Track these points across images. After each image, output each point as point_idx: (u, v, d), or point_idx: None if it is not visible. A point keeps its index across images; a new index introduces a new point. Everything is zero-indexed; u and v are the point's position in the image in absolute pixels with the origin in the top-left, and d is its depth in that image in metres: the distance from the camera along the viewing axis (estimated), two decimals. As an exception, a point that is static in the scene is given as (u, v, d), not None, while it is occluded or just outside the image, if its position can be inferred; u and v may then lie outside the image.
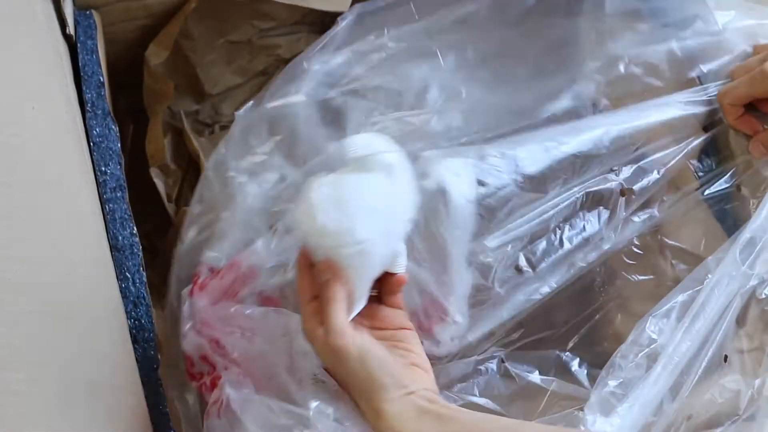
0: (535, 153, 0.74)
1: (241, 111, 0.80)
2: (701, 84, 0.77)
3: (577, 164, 0.79)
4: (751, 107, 0.70)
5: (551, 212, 0.74)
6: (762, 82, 0.67)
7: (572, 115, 0.81)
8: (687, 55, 0.78)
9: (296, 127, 0.80)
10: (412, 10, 0.84)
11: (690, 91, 0.76)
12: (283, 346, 0.66)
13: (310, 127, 0.81)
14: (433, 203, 0.73)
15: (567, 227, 0.76)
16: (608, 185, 0.74)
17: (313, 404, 0.62)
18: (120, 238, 0.66)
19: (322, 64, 0.82)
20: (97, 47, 0.74)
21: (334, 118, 0.82)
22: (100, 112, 0.71)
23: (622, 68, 0.79)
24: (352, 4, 0.86)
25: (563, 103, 0.79)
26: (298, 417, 0.61)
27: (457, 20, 0.85)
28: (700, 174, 0.77)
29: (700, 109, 0.76)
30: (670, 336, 0.65)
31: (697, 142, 0.76)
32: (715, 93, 0.74)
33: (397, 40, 0.84)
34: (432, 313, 0.71)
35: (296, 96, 0.80)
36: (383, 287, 0.61)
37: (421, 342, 0.70)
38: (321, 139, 0.79)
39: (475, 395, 0.75)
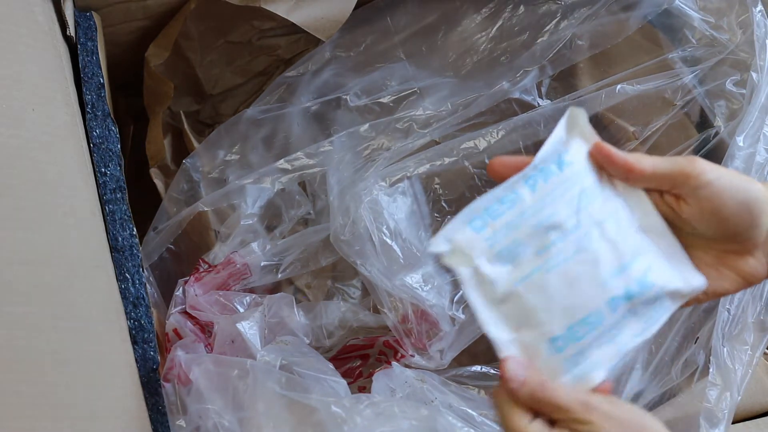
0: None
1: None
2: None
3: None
4: None
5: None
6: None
7: (520, 105, 0.84)
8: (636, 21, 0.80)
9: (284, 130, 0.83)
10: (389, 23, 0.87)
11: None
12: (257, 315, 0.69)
13: (297, 130, 0.83)
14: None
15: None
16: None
17: (259, 354, 0.65)
18: (120, 239, 0.66)
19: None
20: (97, 48, 0.74)
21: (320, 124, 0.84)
22: (100, 113, 0.71)
23: (566, 44, 0.81)
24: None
25: (508, 94, 0.81)
26: (241, 366, 0.63)
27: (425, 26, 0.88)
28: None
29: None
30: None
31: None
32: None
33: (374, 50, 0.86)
34: (424, 328, 0.73)
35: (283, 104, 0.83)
36: None
37: (412, 356, 0.72)
38: (308, 140, 0.81)
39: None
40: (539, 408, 0.49)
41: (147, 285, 0.68)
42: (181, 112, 0.90)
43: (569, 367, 0.50)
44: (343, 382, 0.67)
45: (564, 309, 0.50)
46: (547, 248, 0.50)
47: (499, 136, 0.80)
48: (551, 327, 0.50)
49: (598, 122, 0.87)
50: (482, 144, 0.80)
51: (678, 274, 0.52)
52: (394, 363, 0.72)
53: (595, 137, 0.52)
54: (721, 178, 0.51)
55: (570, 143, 0.51)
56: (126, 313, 0.64)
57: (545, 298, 0.50)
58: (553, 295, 0.50)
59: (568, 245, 0.50)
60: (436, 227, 0.83)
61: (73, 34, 0.73)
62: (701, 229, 0.52)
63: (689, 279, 0.53)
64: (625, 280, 0.51)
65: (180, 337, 0.71)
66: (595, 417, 0.47)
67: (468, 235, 0.49)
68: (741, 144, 0.72)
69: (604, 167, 0.52)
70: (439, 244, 0.49)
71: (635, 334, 0.51)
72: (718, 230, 0.52)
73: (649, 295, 0.51)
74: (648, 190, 0.53)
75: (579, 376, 0.50)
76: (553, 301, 0.50)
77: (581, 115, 0.51)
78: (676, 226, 0.53)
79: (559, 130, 0.51)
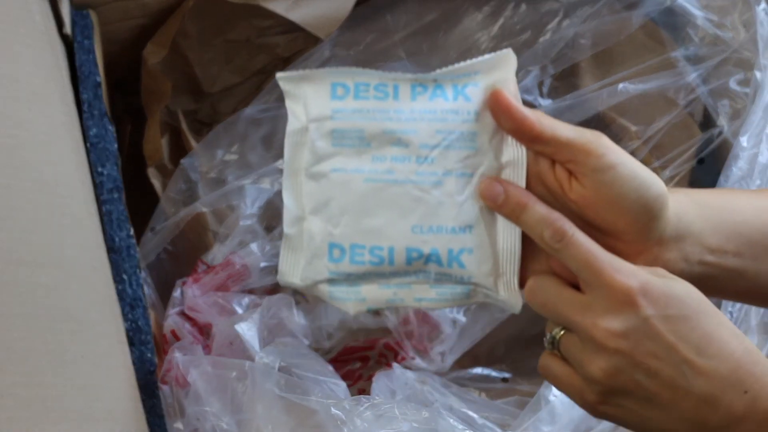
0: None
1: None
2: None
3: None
4: None
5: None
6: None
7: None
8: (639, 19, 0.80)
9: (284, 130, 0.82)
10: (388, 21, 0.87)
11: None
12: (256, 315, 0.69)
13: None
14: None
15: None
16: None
17: (258, 356, 0.65)
18: (117, 239, 0.66)
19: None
20: (94, 47, 0.74)
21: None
22: (96, 112, 0.71)
23: (569, 43, 0.81)
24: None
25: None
26: (240, 368, 0.63)
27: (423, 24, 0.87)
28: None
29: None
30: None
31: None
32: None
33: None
34: (425, 330, 0.73)
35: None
36: None
37: (413, 358, 0.72)
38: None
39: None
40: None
41: (144, 286, 0.68)
42: (179, 111, 0.90)
43: (333, 279, 0.46)
44: (343, 384, 0.66)
45: (360, 226, 0.45)
46: (383, 159, 0.45)
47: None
48: (338, 232, 0.46)
49: (599, 121, 0.86)
50: (483, 144, 0.80)
51: (493, 279, 0.46)
52: (394, 364, 0.71)
53: (513, 92, 0.45)
54: (624, 164, 0.44)
55: (483, 80, 0.45)
56: (123, 315, 0.64)
57: (350, 202, 0.45)
58: (359, 204, 0.45)
59: (404, 170, 0.45)
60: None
61: (69, 32, 0.72)
62: (587, 215, 0.45)
63: (505, 293, 0.46)
64: (438, 243, 0.45)
65: (178, 339, 0.70)
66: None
67: (321, 91, 0.44)
68: (744, 144, 0.72)
69: (498, 120, 0.45)
70: (290, 75, 0.44)
71: (419, 298, 0.47)
72: (605, 222, 0.45)
73: (454, 273, 0.46)
74: (539, 155, 0.46)
75: (337, 296, 0.46)
76: (356, 210, 0.45)
77: (512, 64, 0.45)
78: (559, 204, 0.46)
79: (484, 61, 0.45)
